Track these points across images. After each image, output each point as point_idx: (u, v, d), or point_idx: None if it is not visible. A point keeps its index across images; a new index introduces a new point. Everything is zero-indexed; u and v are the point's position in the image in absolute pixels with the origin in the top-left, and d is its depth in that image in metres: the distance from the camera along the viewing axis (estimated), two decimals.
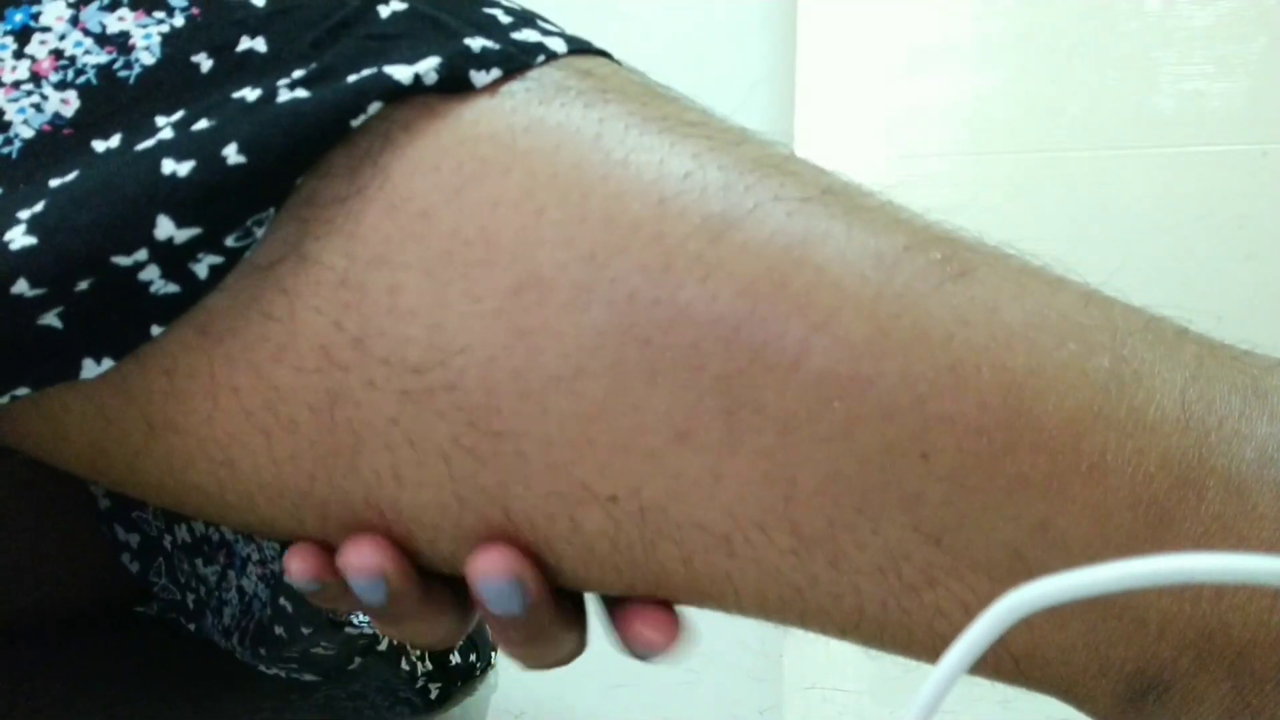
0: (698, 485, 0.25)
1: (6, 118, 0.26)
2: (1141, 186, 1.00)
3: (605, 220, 0.25)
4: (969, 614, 0.25)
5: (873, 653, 0.28)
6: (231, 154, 0.24)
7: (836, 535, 0.25)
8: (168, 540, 0.44)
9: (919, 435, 0.24)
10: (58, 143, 0.26)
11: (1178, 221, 0.99)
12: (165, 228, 0.24)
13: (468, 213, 0.25)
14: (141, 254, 0.25)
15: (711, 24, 1.07)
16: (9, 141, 0.26)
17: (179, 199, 0.24)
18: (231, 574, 0.44)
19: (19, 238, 0.24)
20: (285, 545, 0.41)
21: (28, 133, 0.26)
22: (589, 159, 0.25)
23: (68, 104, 0.26)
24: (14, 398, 0.26)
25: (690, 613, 0.29)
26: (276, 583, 0.42)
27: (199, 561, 0.43)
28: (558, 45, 0.28)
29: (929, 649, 0.26)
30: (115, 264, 0.24)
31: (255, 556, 0.43)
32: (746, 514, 0.25)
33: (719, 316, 0.24)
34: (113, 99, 0.26)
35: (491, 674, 0.50)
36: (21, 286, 0.24)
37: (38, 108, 0.26)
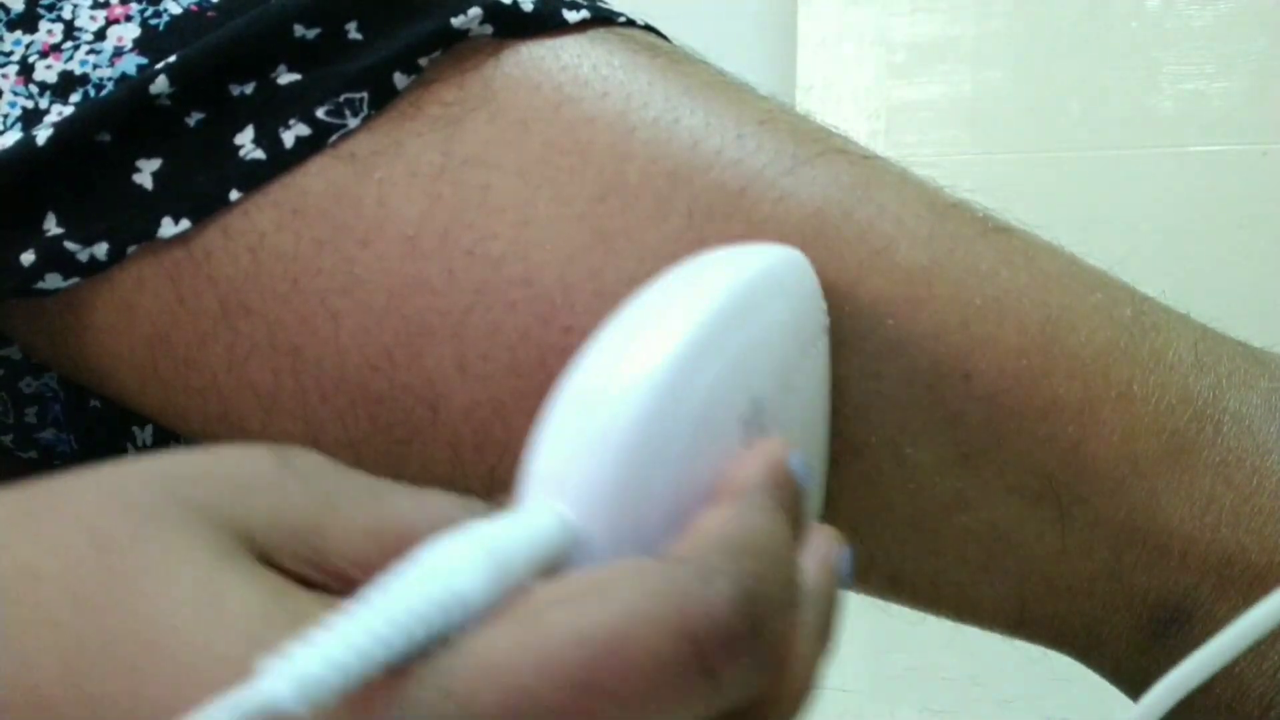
0: None
1: None
2: (1141, 186, 0.99)
3: (691, 145, 0.27)
4: (1000, 539, 0.26)
5: (873, 653, 0.28)
6: (352, 30, 0.27)
7: (878, 450, 0.26)
8: None
9: (964, 355, 0.26)
10: (202, 23, 0.27)
11: (1178, 221, 0.99)
12: (282, 73, 0.27)
13: (563, 126, 0.27)
14: (249, 87, 0.27)
15: (711, 24, 1.07)
16: (158, 14, 0.28)
17: (300, 54, 0.27)
18: None
19: (157, 79, 0.26)
20: None
21: (176, 9, 0.28)
22: (677, 96, 0.28)
23: None
24: (92, 257, 0.27)
25: None
26: None
27: None
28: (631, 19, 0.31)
29: (956, 582, 0.27)
30: (229, 92, 0.27)
31: None
32: None
33: (788, 235, 0.26)
34: None
35: None
36: (160, 85, 0.26)
37: None
